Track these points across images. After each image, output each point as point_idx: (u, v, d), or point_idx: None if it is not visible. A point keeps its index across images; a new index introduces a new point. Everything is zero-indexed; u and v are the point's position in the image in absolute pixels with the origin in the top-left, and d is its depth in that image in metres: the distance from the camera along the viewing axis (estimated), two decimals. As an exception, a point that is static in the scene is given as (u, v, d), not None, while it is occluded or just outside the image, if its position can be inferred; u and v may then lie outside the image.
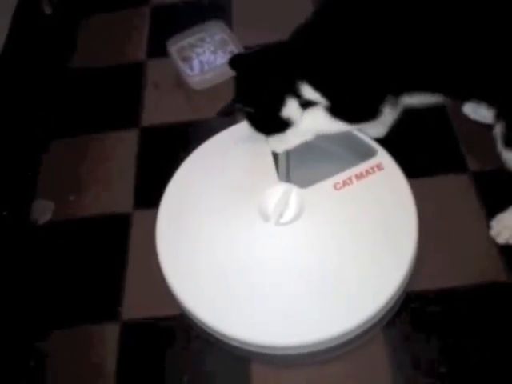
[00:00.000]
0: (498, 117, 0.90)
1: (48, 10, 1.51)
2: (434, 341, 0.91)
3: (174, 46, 1.35)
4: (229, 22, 1.40)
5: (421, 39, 0.87)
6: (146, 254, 0.99)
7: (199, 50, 1.36)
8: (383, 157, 0.99)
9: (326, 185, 0.97)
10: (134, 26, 1.47)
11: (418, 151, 1.11)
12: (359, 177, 0.97)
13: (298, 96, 0.96)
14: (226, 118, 1.13)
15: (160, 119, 1.27)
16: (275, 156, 1.03)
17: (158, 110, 1.29)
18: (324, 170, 1.00)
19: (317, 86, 0.93)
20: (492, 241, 0.99)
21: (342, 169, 0.98)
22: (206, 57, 1.35)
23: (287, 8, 1.40)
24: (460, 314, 0.93)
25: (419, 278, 0.95)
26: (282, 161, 1.03)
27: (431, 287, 0.96)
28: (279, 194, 0.98)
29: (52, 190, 1.18)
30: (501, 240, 0.98)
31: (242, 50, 1.30)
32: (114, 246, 1.08)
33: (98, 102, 1.33)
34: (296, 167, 1.04)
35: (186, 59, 1.35)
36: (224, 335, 0.87)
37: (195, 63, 1.34)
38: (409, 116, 1.01)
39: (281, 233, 0.94)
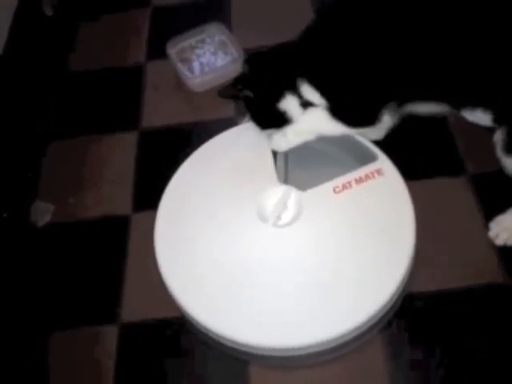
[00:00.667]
0: (498, 123, 0.91)
1: (49, 12, 1.52)
2: (433, 342, 0.91)
3: (174, 48, 1.35)
4: (228, 24, 1.40)
5: (423, 47, 0.86)
6: (145, 256, 1.00)
7: (200, 52, 1.36)
8: (384, 162, 0.99)
9: (326, 188, 0.97)
10: (133, 28, 1.47)
11: (417, 153, 1.11)
12: (359, 181, 0.97)
13: (299, 95, 0.96)
14: (226, 122, 1.14)
15: (160, 121, 1.27)
16: (275, 158, 1.03)
17: (157, 112, 1.29)
18: (324, 173, 1.00)
19: (316, 86, 0.93)
20: (490, 242, 0.99)
21: (342, 172, 0.98)
22: (206, 58, 1.35)
23: (286, 10, 1.40)
24: (458, 316, 0.93)
25: (418, 280, 0.95)
26: (281, 163, 1.03)
27: (430, 289, 0.96)
28: (278, 195, 0.98)
29: (52, 192, 1.18)
30: (499, 242, 0.98)
31: (241, 52, 1.30)
32: (113, 248, 1.08)
33: (97, 104, 1.33)
34: (296, 169, 1.04)
35: (186, 61, 1.35)
36: (222, 337, 0.87)
37: (195, 65, 1.34)
38: (407, 118, 1.01)
39: (278, 234, 0.94)
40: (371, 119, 0.95)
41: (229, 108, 1.24)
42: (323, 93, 0.93)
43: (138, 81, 1.35)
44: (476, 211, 1.03)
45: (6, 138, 1.25)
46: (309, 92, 0.95)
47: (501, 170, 0.94)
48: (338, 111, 0.95)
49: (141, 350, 0.96)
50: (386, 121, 1.01)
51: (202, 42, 1.38)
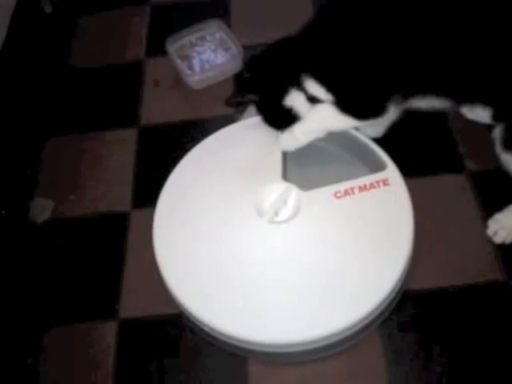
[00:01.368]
0: (498, 119, 0.90)
1: (48, 9, 1.51)
2: (431, 340, 0.91)
3: (173, 45, 1.34)
4: (228, 21, 1.40)
5: (426, 39, 0.87)
6: (144, 253, 1.00)
7: (200, 49, 1.36)
8: (392, 172, 0.97)
9: (327, 191, 0.96)
10: (133, 25, 1.47)
11: (416, 151, 1.11)
12: (362, 189, 0.95)
13: (304, 91, 0.95)
14: (226, 119, 1.14)
15: (159, 118, 1.27)
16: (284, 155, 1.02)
17: (157, 109, 1.29)
18: (329, 175, 0.99)
19: (322, 81, 0.93)
20: (489, 240, 0.99)
21: (347, 178, 0.97)
22: (206, 55, 1.35)
23: (286, 6, 1.39)
24: (457, 313, 0.93)
25: (416, 277, 0.95)
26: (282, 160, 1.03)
27: (428, 286, 0.96)
28: (279, 191, 0.97)
29: (51, 189, 1.18)
30: (497, 239, 0.98)
31: (240, 49, 1.30)
32: (112, 245, 1.08)
33: (97, 101, 1.33)
34: (301, 169, 1.04)
35: (186, 58, 1.35)
36: (220, 333, 0.88)
37: (195, 62, 1.34)
38: (407, 115, 1.01)
39: (274, 230, 0.94)
40: (378, 110, 0.94)
41: (228, 105, 1.25)
42: (329, 87, 0.93)
43: (137, 78, 1.35)
44: (475, 209, 1.03)
45: (5, 135, 1.25)
46: (313, 87, 0.94)
47: (500, 168, 0.95)
48: (345, 104, 0.94)
49: (140, 346, 0.96)
50: (388, 116, 1.01)
51: (202, 39, 1.38)
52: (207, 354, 0.94)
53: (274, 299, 0.88)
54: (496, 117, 0.90)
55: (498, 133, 0.91)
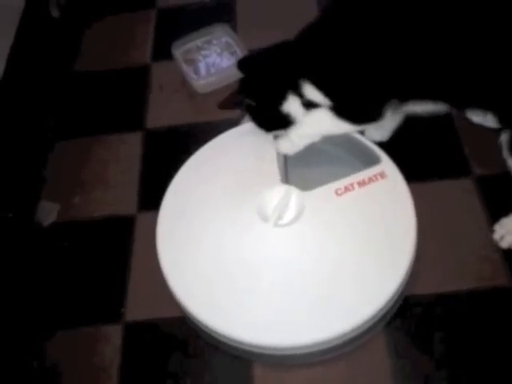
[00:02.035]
0: (504, 125, 0.90)
1: (55, 13, 1.52)
2: (436, 344, 0.91)
3: (179, 49, 1.35)
4: (234, 26, 1.41)
5: (426, 45, 0.86)
6: (149, 256, 0.99)
7: (206, 52, 1.36)
8: (387, 165, 0.99)
9: (328, 189, 0.97)
10: (139, 29, 1.48)
11: (422, 154, 1.11)
12: (361, 184, 0.96)
13: (300, 95, 0.96)
14: (231, 123, 1.14)
15: (165, 122, 1.27)
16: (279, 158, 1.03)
17: (162, 112, 1.29)
18: (327, 174, 0.99)
19: (320, 86, 0.93)
20: (495, 245, 0.99)
21: (345, 174, 0.98)
22: (212, 59, 1.35)
23: (292, 11, 1.40)
24: (462, 319, 0.93)
25: (421, 282, 0.95)
26: (280, 163, 1.03)
27: (433, 291, 0.96)
28: (280, 195, 0.98)
29: (57, 192, 1.19)
30: (504, 244, 0.98)
31: (246, 53, 1.30)
32: (118, 248, 1.09)
33: (103, 104, 1.33)
34: (299, 170, 1.04)
35: (191, 62, 1.35)
36: (224, 336, 0.88)
37: (201, 65, 1.35)
38: (412, 119, 1.01)
39: (279, 234, 0.94)
40: (375, 115, 0.94)
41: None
42: (327, 92, 0.93)
43: (143, 81, 1.36)
44: (481, 213, 1.03)
45: (11, 139, 1.25)
46: (311, 92, 0.94)
47: (507, 173, 0.94)
48: (342, 109, 0.94)
49: (145, 350, 0.96)
50: (391, 120, 1.01)
51: (208, 42, 1.38)
52: (212, 358, 0.94)
53: (281, 302, 0.88)
54: (501, 122, 0.90)
55: (504, 138, 0.91)
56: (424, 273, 0.95)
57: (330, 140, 1.02)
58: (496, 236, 0.99)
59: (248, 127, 1.06)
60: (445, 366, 0.88)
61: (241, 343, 0.87)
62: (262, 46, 1.01)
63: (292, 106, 0.96)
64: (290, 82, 0.95)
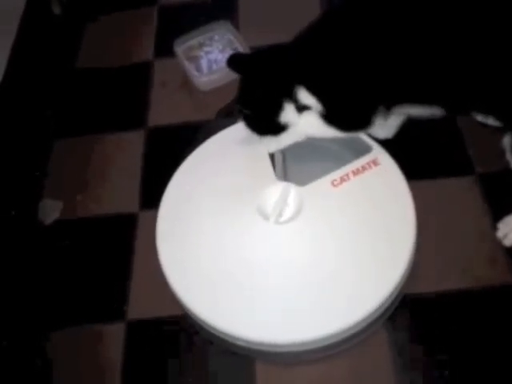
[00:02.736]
0: (506, 128, 0.90)
1: (57, 10, 1.52)
2: (437, 342, 0.91)
3: (181, 47, 1.35)
4: (236, 23, 1.40)
5: (418, 55, 0.86)
6: (152, 254, 0.99)
7: (208, 49, 1.36)
8: (379, 152, 1.00)
9: (324, 182, 0.98)
10: (141, 26, 1.47)
11: (425, 152, 1.11)
12: (356, 173, 0.98)
13: (295, 100, 0.95)
14: (233, 121, 1.14)
15: (167, 119, 1.27)
16: (272, 155, 1.03)
17: (164, 110, 1.29)
18: (321, 167, 1.00)
19: (313, 91, 0.93)
20: (498, 243, 0.98)
21: (339, 166, 0.99)
22: (214, 55, 1.35)
23: (294, 8, 1.39)
24: (465, 317, 0.93)
25: (423, 280, 0.95)
26: (279, 160, 1.03)
27: (434, 289, 0.96)
28: (278, 192, 0.98)
29: (59, 190, 1.19)
30: (507, 242, 0.98)
31: (248, 51, 1.30)
32: (120, 246, 1.09)
33: (105, 102, 1.33)
34: (293, 165, 1.05)
35: (193, 59, 1.35)
36: (226, 334, 0.88)
37: (203, 62, 1.34)
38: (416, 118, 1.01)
39: (280, 231, 0.95)
40: (363, 123, 0.95)
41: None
42: (319, 97, 0.93)
43: (145, 79, 1.35)
44: (484, 211, 1.03)
45: (14, 136, 1.26)
46: (306, 97, 0.94)
47: (510, 171, 0.94)
48: (332, 116, 0.95)
49: (148, 347, 0.96)
50: (395, 119, 1.01)
51: (210, 39, 1.38)
52: (214, 355, 0.94)
53: (282, 299, 0.88)
54: (503, 125, 0.90)
55: (507, 140, 0.91)
56: (425, 271, 0.95)
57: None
58: (499, 234, 0.99)
59: (238, 127, 1.06)
60: (445, 362, 0.88)
61: (242, 341, 0.87)
62: (263, 44, 1.01)
63: (288, 114, 0.96)
64: (284, 88, 0.95)
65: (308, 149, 1.04)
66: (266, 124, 0.98)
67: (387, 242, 0.91)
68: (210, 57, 1.35)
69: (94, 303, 1.02)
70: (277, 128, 0.98)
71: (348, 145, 1.04)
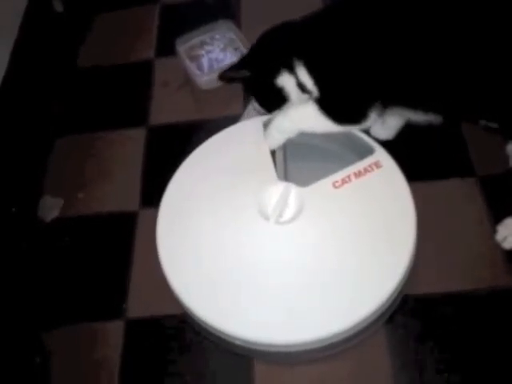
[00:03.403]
0: (508, 135, 0.90)
1: (59, 8, 1.52)
2: (437, 342, 0.91)
3: (183, 46, 1.35)
4: (237, 22, 1.40)
5: (418, 55, 0.86)
6: (151, 252, 0.99)
7: (209, 48, 1.36)
8: (381, 154, 1.00)
9: (325, 183, 0.97)
10: (143, 25, 1.47)
11: (425, 154, 1.11)
12: (358, 175, 0.97)
13: (295, 75, 0.95)
14: (234, 119, 1.14)
15: (168, 118, 1.27)
16: (273, 155, 1.03)
17: (165, 108, 1.29)
18: (323, 168, 1.00)
19: (311, 71, 0.93)
20: (497, 246, 0.98)
21: (341, 167, 0.99)
22: (215, 54, 1.35)
23: (296, 7, 1.38)
24: (465, 320, 0.93)
25: (423, 281, 0.95)
26: (280, 160, 1.03)
27: (434, 290, 0.96)
28: (278, 192, 0.98)
29: (60, 187, 1.19)
30: (507, 245, 0.98)
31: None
32: (120, 244, 1.09)
33: (106, 100, 1.33)
34: (295, 166, 1.05)
35: (195, 58, 1.35)
36: (225, 334, 0.88)
37: (204, 61, 1.34)
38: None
39: (280, 232, 0.95)
40: (358, 116, 0.94)
41: (237, 106, 1.24)
42: (316, 80, 0.93)
43: (146, 77, 1.35)
44: (484, 214, 1.03)
45: (15, 133, 1.25)
46: (304, 75, 0.94)
47: (510, 173, 0.94)
48: (327, 104, 0.94)
49: (147, 346, 0.97)
50: (396, 120, 1.01)
51: (212, 38, 1.38)
52: (213, 355, 0.94)
53: (282, 300, 0.88)
54: (505, 133, 0.90)
55: (511, 148, 0.91)
56: (425, 272, 0.95)
57: (323, 136, 1.02)
58: (498, 237, 0.99)
59: (246, 124, 1.06)
60: (445, 363, 0.89)
61: (241, 340, 0.87)
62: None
63: (286, 81, 0.95)
64: (286, 58, 0.95)
65: (309, 149, 1.04)
66: (263, 87, 0.98)
67: (388, 243, 0.91)
68: (211, 56, 1.35)
69: (94, 301, 1.03)
70: (275, 95, 0.97)
71: (350, 146, 1.04)
